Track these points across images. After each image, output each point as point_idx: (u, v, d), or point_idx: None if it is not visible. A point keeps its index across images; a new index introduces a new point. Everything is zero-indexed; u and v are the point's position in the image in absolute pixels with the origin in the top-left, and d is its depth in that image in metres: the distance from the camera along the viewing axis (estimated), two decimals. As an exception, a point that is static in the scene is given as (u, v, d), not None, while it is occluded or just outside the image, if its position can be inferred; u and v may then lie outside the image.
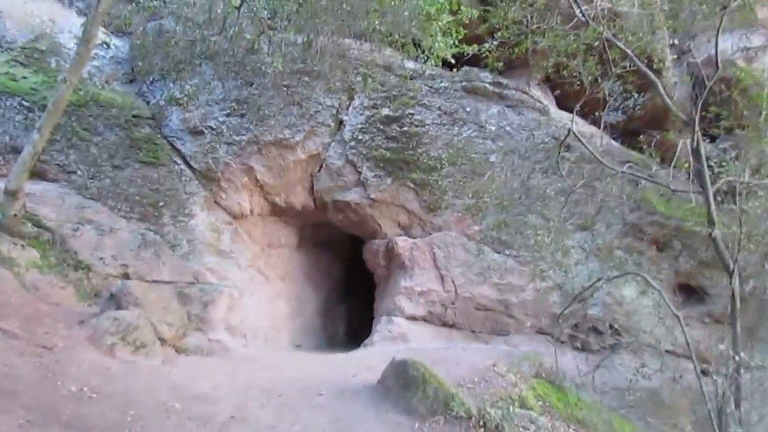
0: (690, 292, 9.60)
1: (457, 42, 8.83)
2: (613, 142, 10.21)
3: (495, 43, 8.35)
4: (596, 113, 8.13)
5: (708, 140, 9.93)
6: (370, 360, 7.41)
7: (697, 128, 6.96)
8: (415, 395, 5.58)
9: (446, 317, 9.52)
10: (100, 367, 5.08)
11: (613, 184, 8.77)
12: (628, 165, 8.68)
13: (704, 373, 6.40)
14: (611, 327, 8.85)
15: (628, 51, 7.25)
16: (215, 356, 7.44)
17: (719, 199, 7.55)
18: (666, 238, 9.77)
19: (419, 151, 9.45)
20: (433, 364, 6.92)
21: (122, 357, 5.43)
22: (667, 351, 7.82)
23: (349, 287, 13.11)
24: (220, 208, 9.39)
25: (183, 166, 9.14)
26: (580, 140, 7.97)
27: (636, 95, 8.18)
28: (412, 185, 9.45)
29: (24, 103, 8.79)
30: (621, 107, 8.49)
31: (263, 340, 9.84)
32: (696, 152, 7.02)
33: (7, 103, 8.75)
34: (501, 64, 8.91)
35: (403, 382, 5.73)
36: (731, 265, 6.69)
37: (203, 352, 7.50)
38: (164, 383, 5.24)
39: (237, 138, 9.12)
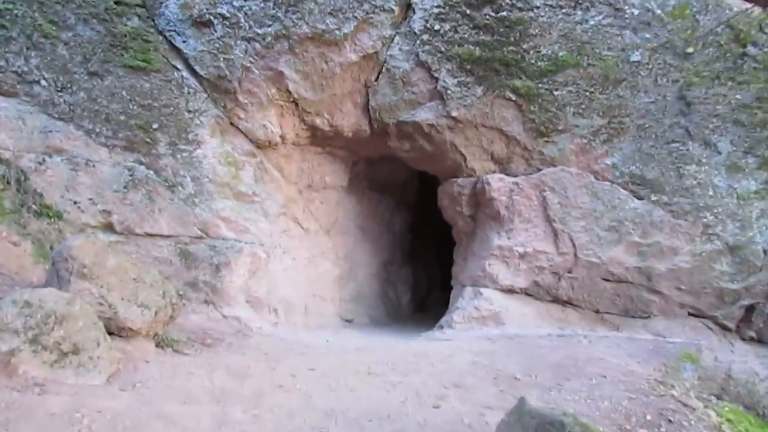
0: None
1: None
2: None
3: None
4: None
5: None
6: (454, 363, 5.02)
7: None
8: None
9: (559, 291, 6.96)
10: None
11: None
12: None
13: None
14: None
15: None
16: (222, 349, 5.24)
17: None
18: None
19: (524, 46, 6.67)
20: (557, 377, 4.52)
21: (26, 377, 3.24)
22: None
23: (415, 243, 10.70)
24: (239, 133, 7.04)
25: (185, 73, 6.78)
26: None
27: None
28: (513, 97, 6.74)
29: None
30: None
31: (301, 314, 7.65)
32: None
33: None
34: None
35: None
36: None
37: (205, 342, 5.32)
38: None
39: (260, 31, 6.63)
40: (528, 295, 7.09)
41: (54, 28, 6.65)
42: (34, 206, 6.31)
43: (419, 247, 10.92)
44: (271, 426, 3.42)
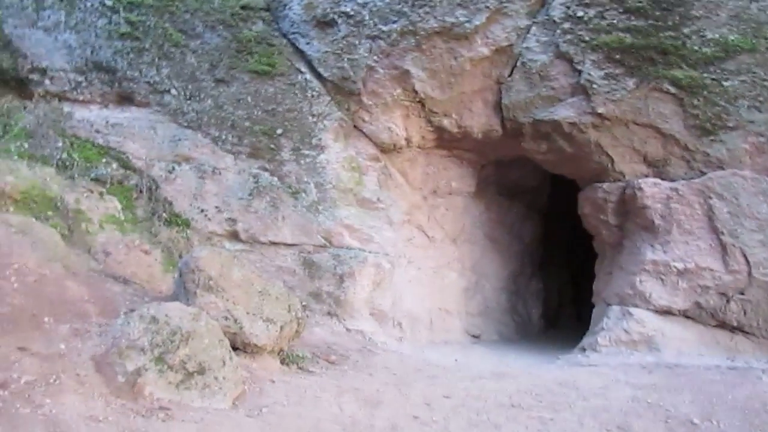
0: None
1: None
2: None
3: None
4: None
5: None
6: (611, 398, 4.32)
7: None
8: None
9: (727, 314, 5.98)
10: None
11: None
12: None
13: None
14: None
15: None
16: (348, 367, 4.93)
17: None
18: None
19: (685, 31, 5.79)
20: (744, 424, 3.76)
21: (151, 399, 3.06)
22: None
23: (545, 254, 9.94)
24: (362, 137, 6.75)
25: (308, 75, 6.60)
26: None
27: None
28: (672, 90, 5.87)
29: (106, 2, 6.83)
30: None
31: (426, 328, 7.23)
32: None
33: (87, 4, 6.88)
34: None
35: None
36: None
37: (330, 360, 5.03)
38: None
39: (385, 28, 6.28)
40: (688, 318, 6.16)
41: (183, 36, 6.74)
42: (164, 214, 6.40)
43: (550, 258, 10.13)
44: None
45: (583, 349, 6.43)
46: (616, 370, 5.44)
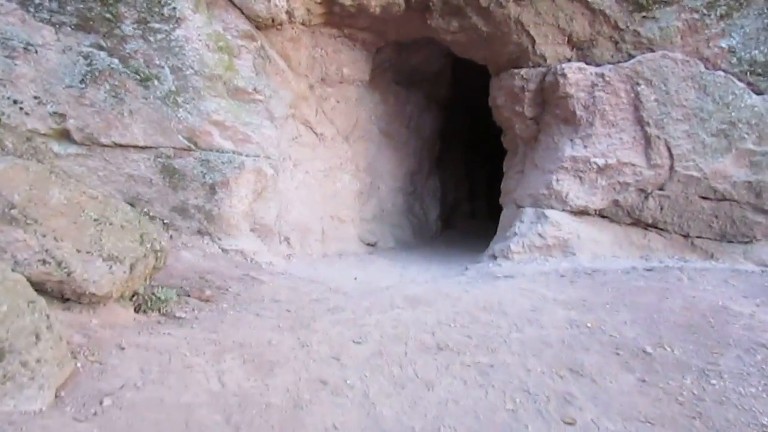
0: None
1: None
2: None
3: None
4: None
5: None
6: (546, 324, 3.68)
7: None
8: None
9: (644, 212, 5.59)
10: None
11: None
12: None
13: None
14: None
15: None
16: (228, 305, 3.88)
17: None
18: None
19: None
20: (699, 347, 3.33)
21: None
22: None
23: (443, 148, 9.20)
24: (232, 7, 5.29)
25: None
26: None
27: None
28: (605, -45, 5.02)
29: None
30: None
31: (318, 240, 6.29)
32: None
33: None
34: None
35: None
36: None
37: (204, 296, 3.95)
38: None
39: None
40: (603, 217, 5.74)
41: None
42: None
43: (446, 151, 9.41)
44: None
45: (494, 257, 5.85)
46: (536, 282, 4.87)
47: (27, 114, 4.84)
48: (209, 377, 2.65)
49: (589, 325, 3.71)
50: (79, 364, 2.56)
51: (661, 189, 5.49)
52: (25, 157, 4.93)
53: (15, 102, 4.83)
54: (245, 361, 2.88)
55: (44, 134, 4.90)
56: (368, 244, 7.11)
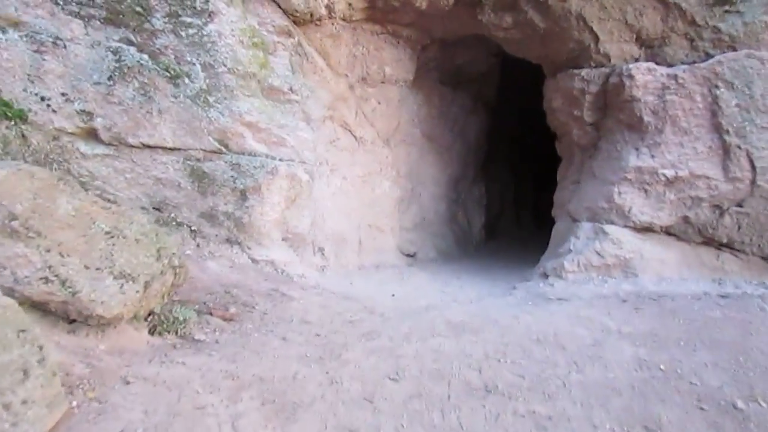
0: None
1: None
2: None
3: None
4: None
5: None
6: (610, 361, 3.18)
7: None
8: None
9: (718, 230, 5.00)
10: None
11: None
12: None
13: None
14: None
15: None
16: (253, 326, 3.52)
17: None
18: None
19: None
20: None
21: None
22: None
23: (489, 153, 8.72)
24: (268, 1, 4.97)
25: None
26: None
27: None
28: (682, -58, 4.47)
29: None
30: None
31: (354, 251, 5.91)
32: None
33: None
34: None
35: None
36: None
37: (227, 316, 3.60)
38: None
39: None
40: (669, 234, 5.17)
41: None
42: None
43: (492, 157, 8.90)
44: None
45: (545, 275, 5.35)
46: (595, 307, 4.36)
47: (54, 111, 4.60)
48: (222, 423, 2.28)
49: (662, 367, 3.19)
50: (75, 403, 2.23)
51: (739, 205, 4.89)
52: (51, 157, 4.72)
53: (42, 99, 4.60)
54: (264, 401, 2.50)
55: (71, 133, 4.66)
56: (407, 255, 6.69)
